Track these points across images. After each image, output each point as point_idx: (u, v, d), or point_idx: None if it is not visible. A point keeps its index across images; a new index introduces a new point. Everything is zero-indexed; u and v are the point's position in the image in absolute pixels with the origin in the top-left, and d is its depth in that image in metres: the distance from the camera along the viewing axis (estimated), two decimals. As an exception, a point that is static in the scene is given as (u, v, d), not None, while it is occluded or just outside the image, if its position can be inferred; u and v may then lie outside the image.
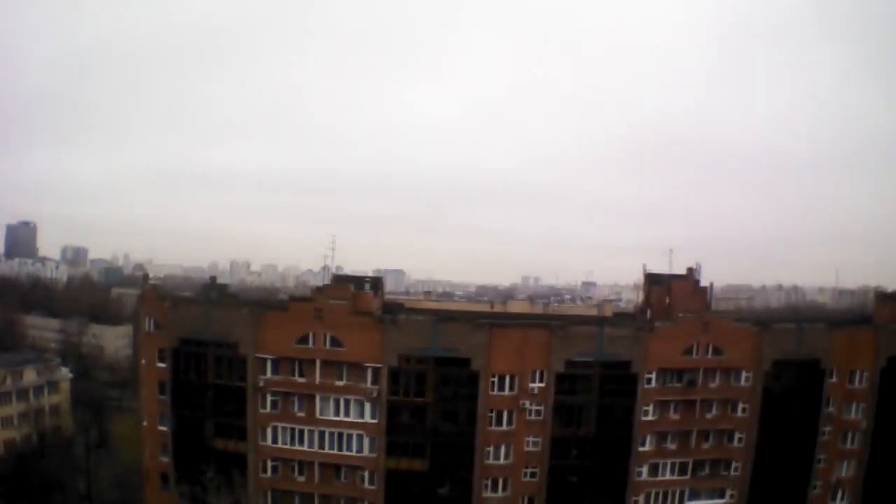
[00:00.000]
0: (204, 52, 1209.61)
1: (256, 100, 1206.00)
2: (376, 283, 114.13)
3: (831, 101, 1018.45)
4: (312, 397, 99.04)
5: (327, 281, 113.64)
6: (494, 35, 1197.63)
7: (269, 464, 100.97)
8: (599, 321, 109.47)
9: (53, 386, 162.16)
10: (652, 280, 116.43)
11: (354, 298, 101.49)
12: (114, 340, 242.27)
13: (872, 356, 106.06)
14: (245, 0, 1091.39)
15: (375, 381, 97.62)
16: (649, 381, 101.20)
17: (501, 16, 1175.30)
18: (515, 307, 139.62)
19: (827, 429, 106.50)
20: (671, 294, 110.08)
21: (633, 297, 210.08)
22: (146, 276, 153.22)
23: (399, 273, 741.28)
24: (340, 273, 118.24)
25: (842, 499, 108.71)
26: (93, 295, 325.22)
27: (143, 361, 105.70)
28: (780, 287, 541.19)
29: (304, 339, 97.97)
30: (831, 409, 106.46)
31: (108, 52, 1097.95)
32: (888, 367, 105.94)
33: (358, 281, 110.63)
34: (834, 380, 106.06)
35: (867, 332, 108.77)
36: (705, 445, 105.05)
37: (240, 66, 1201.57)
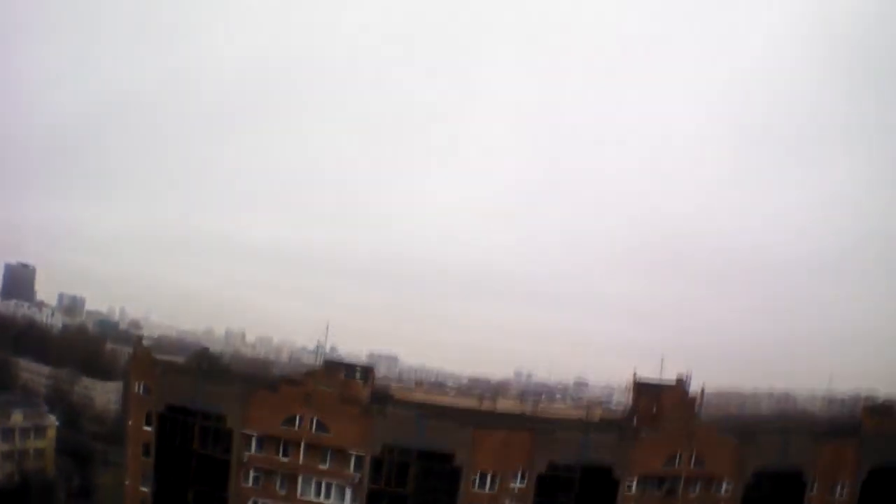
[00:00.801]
0: (219, 121, 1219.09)
1: (263, 174, 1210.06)
2: (367, 371, 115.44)
3: (832, 211, 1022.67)
4: (295, 477, 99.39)
5: (320, 362, 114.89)
6: (501, 131, 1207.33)
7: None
8: (585, 426, 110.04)
9: (40, 430, 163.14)
10: (641, 388, 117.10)
11: (344, 386, 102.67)
12: (104, 394, 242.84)
13: (855, 468, 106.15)
14: (257, 72, 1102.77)
15: (358, 467, 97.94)
16: (630, 487, 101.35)
17: (508, 110, 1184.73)
18: (504, 405, 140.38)
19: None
20: (659, 403, 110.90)
21: (623, 400, 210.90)
22: (139, 339, 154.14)
23: (392, 359, 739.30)
24: (333, 358, 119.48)
25: None
26: (86, 346, 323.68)
27: (130, 423, 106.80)
28: (771, 394, 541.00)
29: (290, 421, 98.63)
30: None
31: (125, 107, 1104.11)
32: (869, 479, 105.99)
33: (349, 368, 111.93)
34: (814, 492, 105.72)
35: (851, 443, 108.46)
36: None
37: (252, 138, 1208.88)
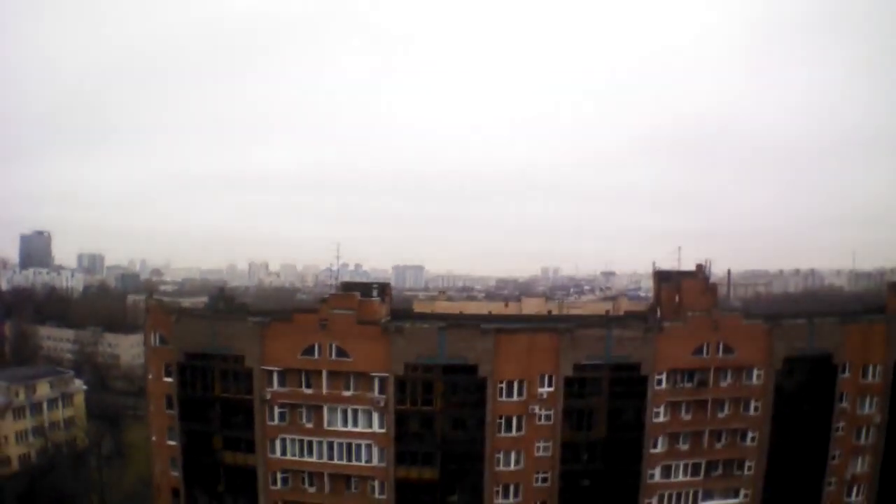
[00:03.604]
0: (226, 56, 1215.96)
1: (278, 99, 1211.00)
2: (383, 289, 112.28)
3: (848, 90, 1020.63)
4: (320, 408, 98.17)
5: (339, 283, 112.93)
6: (521, 27, 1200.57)
7: (279, 476, 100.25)
8: (608, 322, 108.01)
9: (67, 399, 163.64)
10: (662, 277, 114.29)
11: (360, 307, 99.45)
12: (129, 349, 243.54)
13: (885, 349, 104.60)
14: (265, 5, 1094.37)
15: (382, 390, 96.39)
16: (660, 382, 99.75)
17: (531, 5, 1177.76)
18: (529, 305, 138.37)
19: (840, 424, 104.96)
20: (681, 292, 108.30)
21: (651, 286, 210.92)
22: (151, 290, 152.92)
23: (419, 268, 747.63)
24: (350, 279, 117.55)
25: (857, 494, 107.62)
26: (109, 303, 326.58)
27: (150, 376, 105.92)
28: (797, 271, 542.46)
29: (309, 351, 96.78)
30: (845, 404, 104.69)
31: (130, 58, 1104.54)
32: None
33: (365, 288, 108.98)
34: (847, 375, 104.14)
35: (879, 325, 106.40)
36: (718, 445, 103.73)
37: (263, 64, 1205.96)
